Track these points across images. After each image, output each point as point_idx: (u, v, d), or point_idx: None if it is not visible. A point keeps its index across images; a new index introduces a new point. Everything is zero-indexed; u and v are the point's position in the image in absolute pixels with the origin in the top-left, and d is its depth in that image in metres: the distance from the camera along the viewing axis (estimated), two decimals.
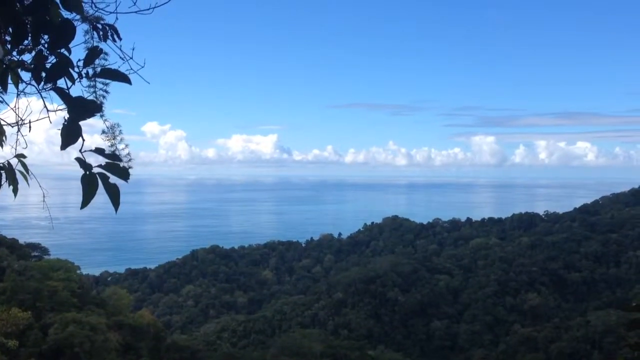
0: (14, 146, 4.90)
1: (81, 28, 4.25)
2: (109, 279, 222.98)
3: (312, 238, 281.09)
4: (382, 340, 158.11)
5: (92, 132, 3.93)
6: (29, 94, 4.27)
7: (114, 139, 4.90)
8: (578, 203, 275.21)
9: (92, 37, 4.29)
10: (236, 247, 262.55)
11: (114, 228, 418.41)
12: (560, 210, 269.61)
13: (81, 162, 3.94)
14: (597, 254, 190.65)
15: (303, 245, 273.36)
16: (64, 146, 3.76)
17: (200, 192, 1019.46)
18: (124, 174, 4.09)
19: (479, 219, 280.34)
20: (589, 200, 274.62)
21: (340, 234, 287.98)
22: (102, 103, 3.97)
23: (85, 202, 4.13)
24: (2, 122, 4.58)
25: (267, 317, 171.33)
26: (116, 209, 4.24)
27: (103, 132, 4.98)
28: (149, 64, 4.51)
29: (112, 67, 4.20)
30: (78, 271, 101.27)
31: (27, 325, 69.12)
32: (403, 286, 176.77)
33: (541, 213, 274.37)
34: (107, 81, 4.44)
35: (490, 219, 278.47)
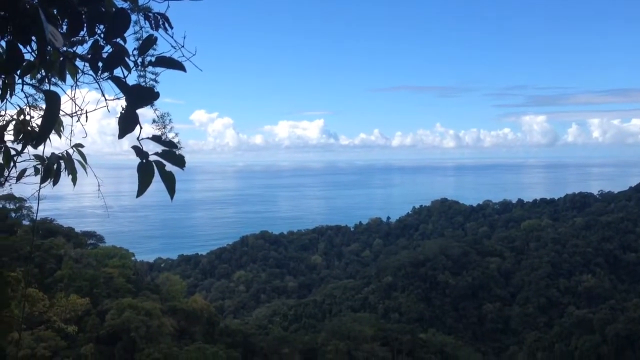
0: (69, 137, 5.00)
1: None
2: (162, 265, 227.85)
3: (360, 222, 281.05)
4: (433, 323, 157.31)
5: (143, 122, 3.96)
6: (84, 83, 4.34)
7: (164, 127, 4.93)
8: (634, 182, 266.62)
9: (142, 27, 4.32)
10: (285, 232, 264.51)
11: (165, 215, 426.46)
12: (615, 190, 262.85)
13: (138, 150, 3.98)
14: None
15: (352, 229, 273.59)
16: (121, 134, 3.79)
17: (248, 179, 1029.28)
18: (180, 161, 4.12)
19: (530, 200, 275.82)
20: None
21: (388, 218, 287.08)
22: (157, 91, 3.99)
23: (142, 190, 4.16)
24: (61, 113, 4.67)
25: (318, 301, 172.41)
26: (172, 197, 4.26)
27: (154, 121, 5.02)
28: (197, 53, 4.53)
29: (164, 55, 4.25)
30: (132, 258, 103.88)
31: (85, 311, 71.28)
32: (453, 269, 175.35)
33: (595, 193, 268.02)
34: (157, 71, 4.47)
35: (543, 199, 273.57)
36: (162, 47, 4.31)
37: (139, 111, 3.90)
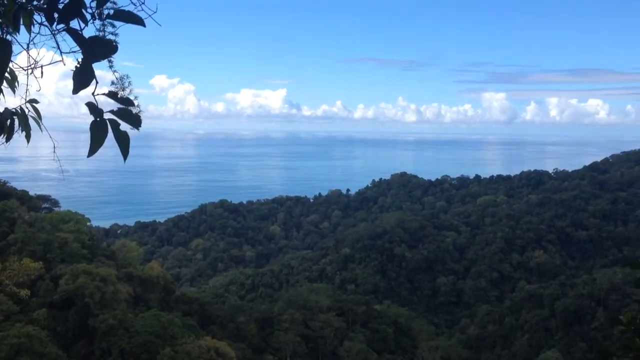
0: (24, 94, 4.82)
1: None
2: (118, 231, 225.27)
3: (320, 194, 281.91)
4: (388, 295, 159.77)
5: (101, 84, 3.86)
6: (40, 35, 4.19)
7: (123, 90, 4.84)
8: (588, 161, 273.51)
9: None
10: (244, 201, 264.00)
11: (123, 181, 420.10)
12: (570, 168, 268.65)
13: (92, 107, 3.87)
14: (605, 212, 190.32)
15: (311, 200, 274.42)
16: (76, 90, 3.68)
17: (209, 147, 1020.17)
18: (136, 120, 4.00)
19: (487, 177, 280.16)
20: (599, 158, 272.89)
21: (348, 190, 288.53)
22: (117, 43, 3.88)
23: (93, 149, 3.99)
24: (15, 66, 4.53)
25: (275, 271, 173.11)
26: (125, 158, 4.14)
27: (112, 83, 4.93)
28: (158, 15, 4.42)
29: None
30: (88, 223, 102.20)
31: (38, 275, 70.16)
32: (410, 242, 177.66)
33: (550, 171, 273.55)
34: (116, 30, 4.37)
35: (499, 176, 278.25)
36: (122, 3, 4.22)
37: (98, 73, 3.81)
